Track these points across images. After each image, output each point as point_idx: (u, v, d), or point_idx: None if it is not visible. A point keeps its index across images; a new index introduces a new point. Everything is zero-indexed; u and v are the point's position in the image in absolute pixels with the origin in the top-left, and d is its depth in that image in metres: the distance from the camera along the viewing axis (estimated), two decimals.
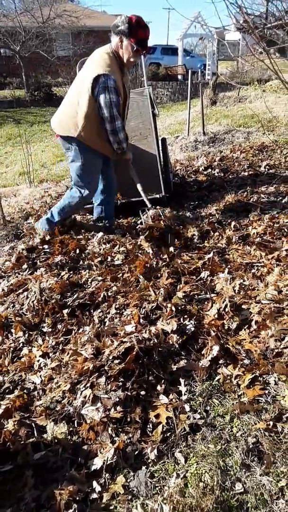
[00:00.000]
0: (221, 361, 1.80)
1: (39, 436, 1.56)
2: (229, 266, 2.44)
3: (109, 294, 2.28)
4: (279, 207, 3.33)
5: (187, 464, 1.42)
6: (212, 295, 2.17)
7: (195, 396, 1.66)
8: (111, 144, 2.80)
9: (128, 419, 1.57)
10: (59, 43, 20.08)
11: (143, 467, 1.44)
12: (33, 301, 2.32)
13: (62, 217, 3.08)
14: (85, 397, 1.65)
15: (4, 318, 2.26)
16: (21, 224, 3.75)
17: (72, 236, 3.04)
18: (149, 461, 1.45)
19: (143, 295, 2.20)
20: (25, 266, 2.76)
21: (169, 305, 2.06)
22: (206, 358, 1.81)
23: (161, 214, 2.93)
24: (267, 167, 4.50)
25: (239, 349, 1.82)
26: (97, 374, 1.72)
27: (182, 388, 1.68)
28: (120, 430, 1.54)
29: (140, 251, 2.74)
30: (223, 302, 2.04)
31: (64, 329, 2.12)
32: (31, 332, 2.17)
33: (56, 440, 1.53)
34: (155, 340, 1.83)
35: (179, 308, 2.06)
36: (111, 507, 1.34)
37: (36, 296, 2.32)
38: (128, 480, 1.41)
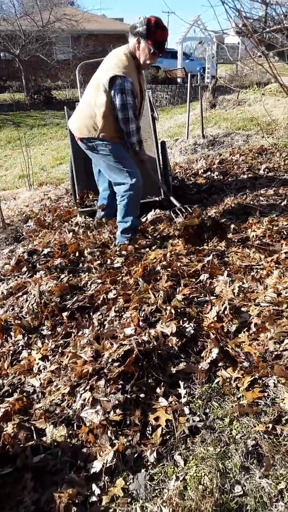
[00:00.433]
0: (220, 364, 1.80)
1: (38, 439, 1.56)
2: (228, 269, 2.45)
3: (109, 297, 2.28)
4: (278, 210, 3.33)
5: (187, 467, 1.42)
6: (212, 297, 2.17)
7: (194, 399, 1.66)
8: None
9: (128, 422, 1.57)
10: (59, 47, 20.13)
11: (143, 470, 1.44)
12: (32, 304, 2.32)
13: (133, 217, 2.95)
14: (84, 400, 1.65)
15: (3, 321, 2.26)
16: (20, 227, 3.76)
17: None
18: (148, 464, 1.45)
19: (142, 297, 2.20)
20: (24, 269, 2.77)
21: (168, 307, 2.06)
22: (205, 360, 1.81)
23: (190, 211, 2.89)
24: (266, 170, 4.51)
25: (238, 351, 1.83)
26: (96, 377, 1.72)
27: (182, 391, 1.69)
28: (120, 433, 1.54)
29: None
30: (223, 305, 2.05)
31: (63, 332, 2.12)
32: (30, 335, 2.17)
33: (55, 443, 1.53)
34: (155, 343, 1.83)
35: (179, 310, 2.07)
36: (111, 510, 1.34)
37: (35, 299, 2.32)
38: (128, 483, 1.41)
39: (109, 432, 1.54)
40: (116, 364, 1.74)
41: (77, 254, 2.84)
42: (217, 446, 1.48)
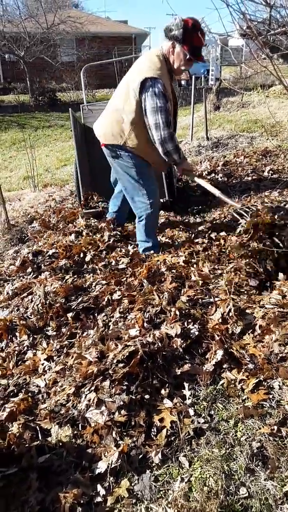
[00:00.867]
0: (225, 366, 1.80)
1: (43, 439, 1.56)
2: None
3: (113, 298, 2.29)
4: (282, 212, 3.33)
5: (192, 468, 1.42)
6: (216, 299, 2.17)
7: (199, 400, 1.66)
8: (159, 156, 2.55)
9: (132, 423, 1.57)
10: (64, 49, 20.22)
11: (148, 471, 1.44)
12: (37, 305, 2.33)
13: (154, 236, 2.85)
14: (89, 400, 1.65)
15: (8, 322, 2.27)
16: (25, 228, 3.78)
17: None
18: (153, 465, 1.45)
19: (147, 299, 2.20)
20: (29, 269, 2.78)
21: (173, 309, 2.07)
22: (210, 362, 1.81)
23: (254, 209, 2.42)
24: (270, 172, 4.51)
25: (243, 353, 1.83)
26: (101, 377, 1.72)
27: (186, 392, 1.69)
28: (125, 433, 1.55)
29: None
30: (227, 307, 2.05)
31: (68, 333, 2.12)
32: (35, 336, 2.18)
33: (60, 443, 1.54)
34: (159, 344, 1.84)
35: (183, 312, 2.07)
36: (116, 511, 1.34)
37: (40, 300, 2.33)
38: (133, 484, 1.41)
39: (114, 432, 1.54)
40: (121, 365, 1.74)
41: (81, 255, 2.85)
42: (222, 447, 1.48)
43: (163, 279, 2.38)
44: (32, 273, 2.74)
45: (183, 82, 17.90)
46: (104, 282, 2.46)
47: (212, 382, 1.74)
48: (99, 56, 18.28)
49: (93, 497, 1.38)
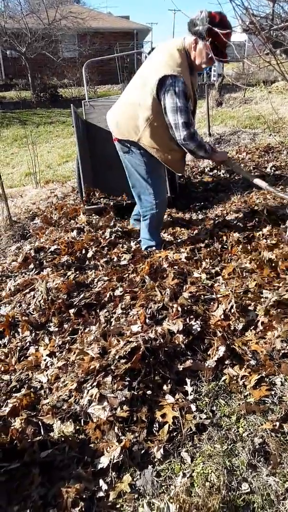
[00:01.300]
0: (227, 362, 1.80)
1: (46, 434, 1.57)
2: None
3: (115, 294, 2.29)
4: (285, 209, 3.31)
5: (194, 464, 1.43)
6: (218, 295, 2.17)
7: (201, 396, 1.67)
8: (175, 156, 2.52)
9: (135, 418, 1.58)
10: (65, 45, 20.14)
11: (150, 466, 1.44)
12: (39, 301, 2.33)
13: (157, 236, 2.84)
14: (91, 396, 1.66)
15: (11, 318, 2.27)
16: (27, 224, 3.78)
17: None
18: (155, 460, 1.46)
19: (149, 295, 2.20)
20: (31, 266, 2.78)
21: (175, 305, 2.07)
22: (212, 358, 1.81)
23: None
24: (273, 168, 4.48)
25: (245, 349, 1.83)
26: (103, 373, 1.73)
27: (188, 388, 1.69)
28: (127, 429, 1.55)
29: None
30: (229, 303, 2.04)
31: (70, 329, 2.13)
32: (37, 332, 2.18)
33: (62, 439, 1.54)
34: (161, 340, 1.84)
35: (185, 308, 2.07)
36: (118, 506, 1.35)
37: (42, 296, 2.34)
38: (135, 479, 1.41)
39: (116, 428, 1.54)
40: (123, 361, 1.75)
41: (83, 251, 2.85)
42: (224, 443, 1.48)
43: (165, 275, 2.38)
44: (34, 269, 2.75)
45: None
46: (106, 278, 2.46)
47: (214, 378, 1.74)
48: (101, 52, 18.18)
49: (95, 492, 1.38)
